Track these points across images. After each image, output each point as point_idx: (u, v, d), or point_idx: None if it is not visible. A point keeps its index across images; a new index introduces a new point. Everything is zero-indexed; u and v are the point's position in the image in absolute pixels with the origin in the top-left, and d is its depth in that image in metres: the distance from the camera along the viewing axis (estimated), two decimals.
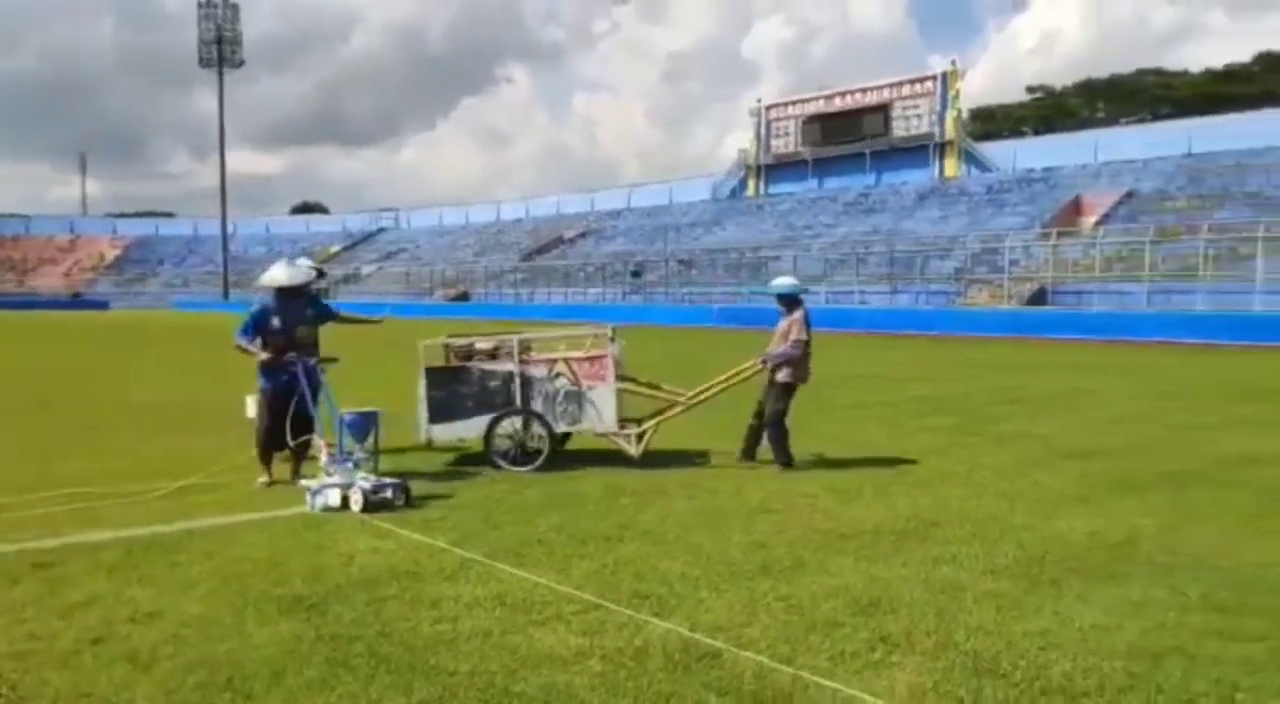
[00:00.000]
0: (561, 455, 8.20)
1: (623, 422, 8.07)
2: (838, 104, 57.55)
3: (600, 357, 7.97)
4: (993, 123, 72.62)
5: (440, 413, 8.02)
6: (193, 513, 6.30)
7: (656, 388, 8.37)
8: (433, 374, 8.09)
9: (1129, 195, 42.84)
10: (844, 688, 3.53)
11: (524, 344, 8.18)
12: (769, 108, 61.23)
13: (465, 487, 7.17)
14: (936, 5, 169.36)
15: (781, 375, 7.95)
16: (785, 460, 7.84)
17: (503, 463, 7.76)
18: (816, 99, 59.30)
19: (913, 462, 8.17)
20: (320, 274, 9.21)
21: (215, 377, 15.27)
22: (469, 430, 7.98)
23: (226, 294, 74.23)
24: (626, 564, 5.10)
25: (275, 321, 7.31)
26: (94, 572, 4.98)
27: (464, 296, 60.40)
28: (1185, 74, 75.93)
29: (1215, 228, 34.91)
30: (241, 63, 78.78)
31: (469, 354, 8.26)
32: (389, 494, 6.40)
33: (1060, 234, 39.75)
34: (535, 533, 5.75)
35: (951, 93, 53.06)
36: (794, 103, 60.69)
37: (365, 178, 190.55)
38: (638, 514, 6.25)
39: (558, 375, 7.96)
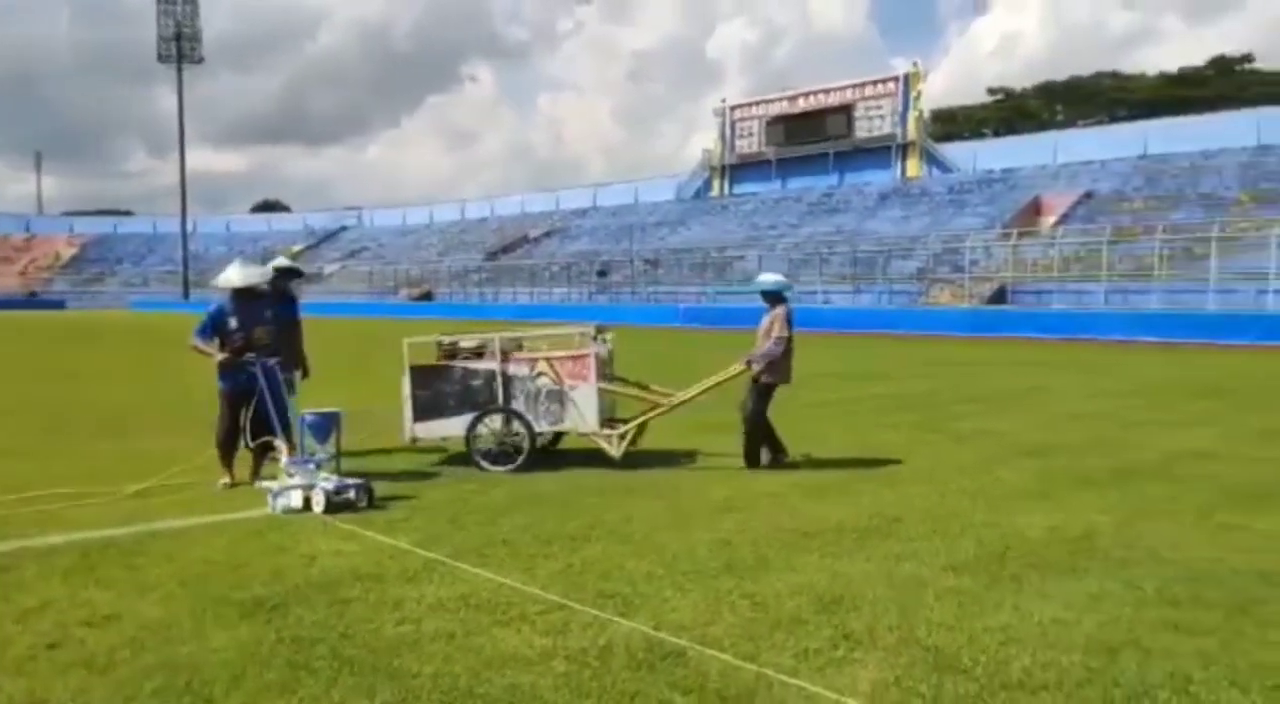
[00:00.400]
0: (549, 455, 8.21)
1: (612, 421, 8.05)
2: (801, 105, 57.92)
3: (582, 356, 7.89)
4: (954, 124, 73.39)
5: (424, 411, 7.98)
6: (151, 515, 6.20)
7: (644, 388, 8.32)
8: (417, 373, 8.04)
9: (1087, 196, 43.53)
10: (808, 685, 3.55)
11: (513, 343, 8.13)
12: (733, 108, 61.48)
13: (429, 487, 7.13)
14: (898, 7, 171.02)
15: (764, 376, 7.87)
16: (753, 462, 7.82)
17: (484, 462, 7.71)
18: (780, 100, 59.64)
19: (876, 459, 8.24)
20: (297, 274, 9.07)
21: (175, 377, 15.05)
22: (452, 429, 7.93)
23: (186, 294, 73.15)
24: (592, 564, 5.09)
25: (232, 322, 7.23)
26: (49, 575, 4.89)
27: (428, 296, 60.03)
28: (1141, 77, 77.25)
29: (1170, 228, 35.59)
30: (201, 59, 77.85)
31: (453, 352, 8.21)
32: (352, 495, 6.31)
33: (1020, 234, 40.28)
34: (500, 533, 5.72)
35: (913, 94, 53.59)
36: (758, 103, 61.00)
37: (328, 176, 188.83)
38: (603, 514, 6.24)
39: (540, 374, 7.89)
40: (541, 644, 3.95)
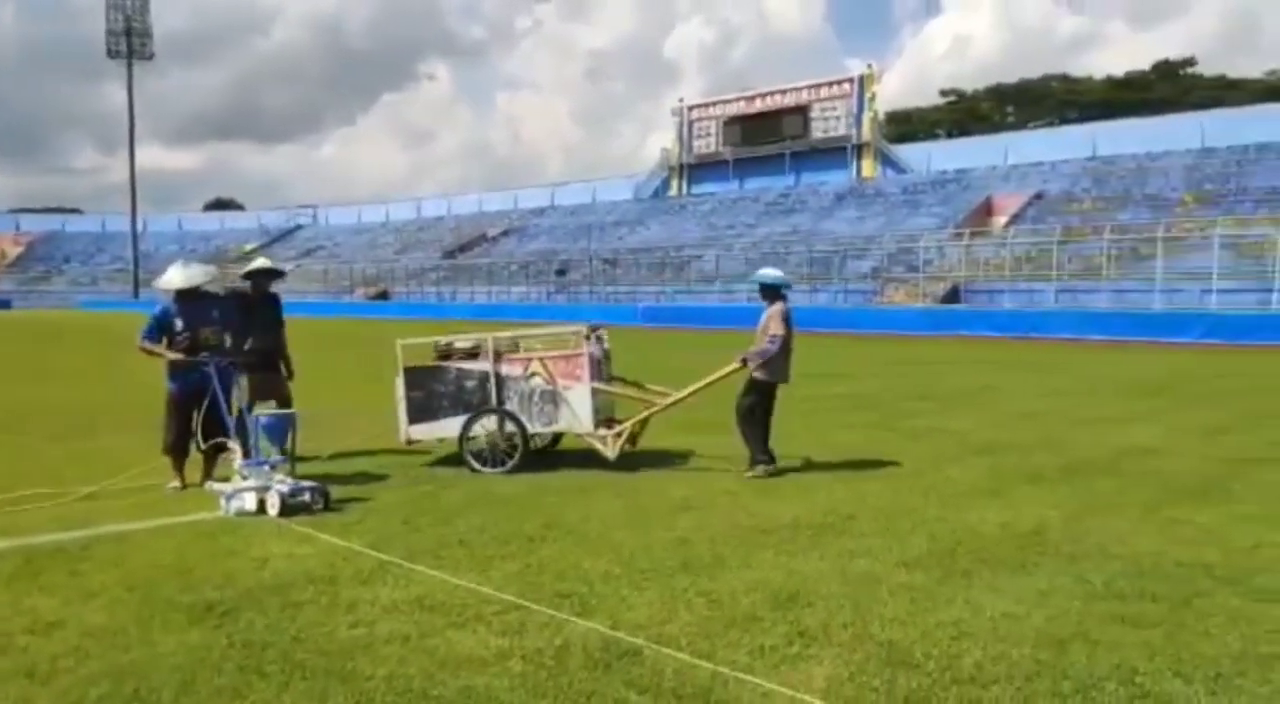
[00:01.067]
0: (546, 456, 8.16)
1: (610, 422, 7.95)
2: (758, 105, 58.26)
3: (575, 355, 7.78)
4: (908, 125, 74.22)
5: (419, 413, 7.91)
6: (97, 519, 6.06)
7: (640, 387, 8.22)
8: (411, 374, 7.98)
9: (1037, 197, 44.29)
10: (763, 682, 3.57)
11: (507, 343, 8.06)
12: (690, 108, 61.67)
13: (384, 489, 7.06)
14: (854, 8, 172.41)
15: (758, 373, 7.69)
16: (760, 458, 7.56)
17: (477, 464, 7.62)
18: (737, 100, 59.94)
19: (832, 457, 8.30)
20: (279, 274, 8.86)
21: (126, 377, 14.75)
22: (447, 430, 7.85)
23: (136, 293, 71.63)
24: (548, 564, 5.07)
25: (178, 323, 7.08)
26: None
27: (384, 295, 59.48)
28: (1089, 80, 78.69)
29: (1118, 229, 36.33)
30: (152, 55, 76.26)
31: (447, 353, 8.12)
32: (307, 498, 6.20)
33: (972, 234, 40.87)
34: (456, 534, 5.68)
35: (868, 95, 54.16)
36: (715, 103, 61.26)
37: (283, 174, 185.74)
38: (561, 513, 6.22)
39: (533, 375, 7.80)
40: (497, 645, 3.93)
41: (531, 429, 7.79)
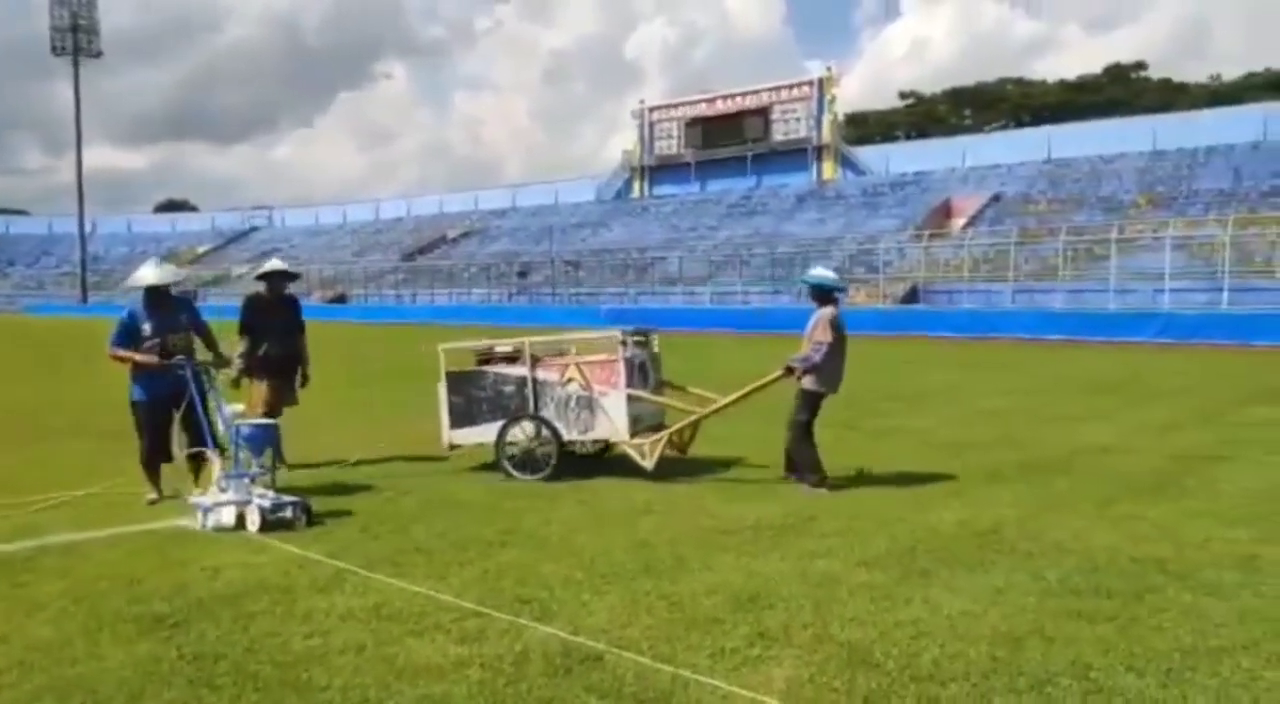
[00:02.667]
0: (598, 463, 8.00)
1: (659, 429, 7.63)
2: (719, 107, 58.42)
3: (611, 361, 7.50)
4: (867, 127, 74.95)
5: (460, 418, 7.81)
6: (43, 529, 5.90)
7: (681, 390, 8.02)
8: (452, 378, 7.87)
9: (995, 199, 44.87)
10: (723, 685, 3.57)
11: (547, 347, 7.92)
12: (652, 109, 61.70)
13: (342, 496, 6.94)
14: (813, 11, 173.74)
15: (806, 381, 7.17)
16: (813, 478, 7.05)
17: (513, 471, 7.45)
18: (698, 102, 60.07)
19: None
20: (293, 277, 8.69)
21: (77, 382, 14.47)
22: (487, 436, 7.68)
23: (85, 297, 70.32)
24: (508, 569, 5.03)
25: (145, 327, 6.72)
26: None
27: (341, 298, 58.83)
28: (1044, 84, 79.91)
29: (1073, 230, 36.91)
30: (99, 53, 74.79)
31: (488, 358, 7.99)
32: (289, 513, 5.89)
33: (931, 236, 41.33)
34: (414, 541, 5.61)
35: (828, 97, 54.54)
36: (676, 105, 61.33)
37: (237, 175, 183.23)
38: (521, 518, 6.18)
39: (569, 380, 7.56)
40: (456, 652, 3.89)
41: (567, 436, 7.54)
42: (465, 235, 65.39)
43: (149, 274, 6.92)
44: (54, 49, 73.41)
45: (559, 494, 6.92)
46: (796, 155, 55.35)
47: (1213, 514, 6.22)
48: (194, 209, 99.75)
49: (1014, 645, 3.95)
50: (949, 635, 4.06)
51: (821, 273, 7.57)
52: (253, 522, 5.78)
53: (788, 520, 6.10)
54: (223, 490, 5.99)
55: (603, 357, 7.60)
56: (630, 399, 7.44)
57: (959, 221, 44.17)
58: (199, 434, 6.48)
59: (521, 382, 7.66)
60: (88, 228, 75.87)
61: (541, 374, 7.65)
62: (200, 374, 6.62)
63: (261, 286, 8.37)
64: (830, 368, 7.20)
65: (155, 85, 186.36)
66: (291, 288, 8.70)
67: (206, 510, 5.89)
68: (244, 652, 3.90)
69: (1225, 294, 30.05)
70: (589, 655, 3.85)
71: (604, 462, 8.02)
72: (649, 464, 7.30)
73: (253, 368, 7.98)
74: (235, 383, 7.98)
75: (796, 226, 48.87)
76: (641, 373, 7.82)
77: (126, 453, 7.05)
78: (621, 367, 7.45)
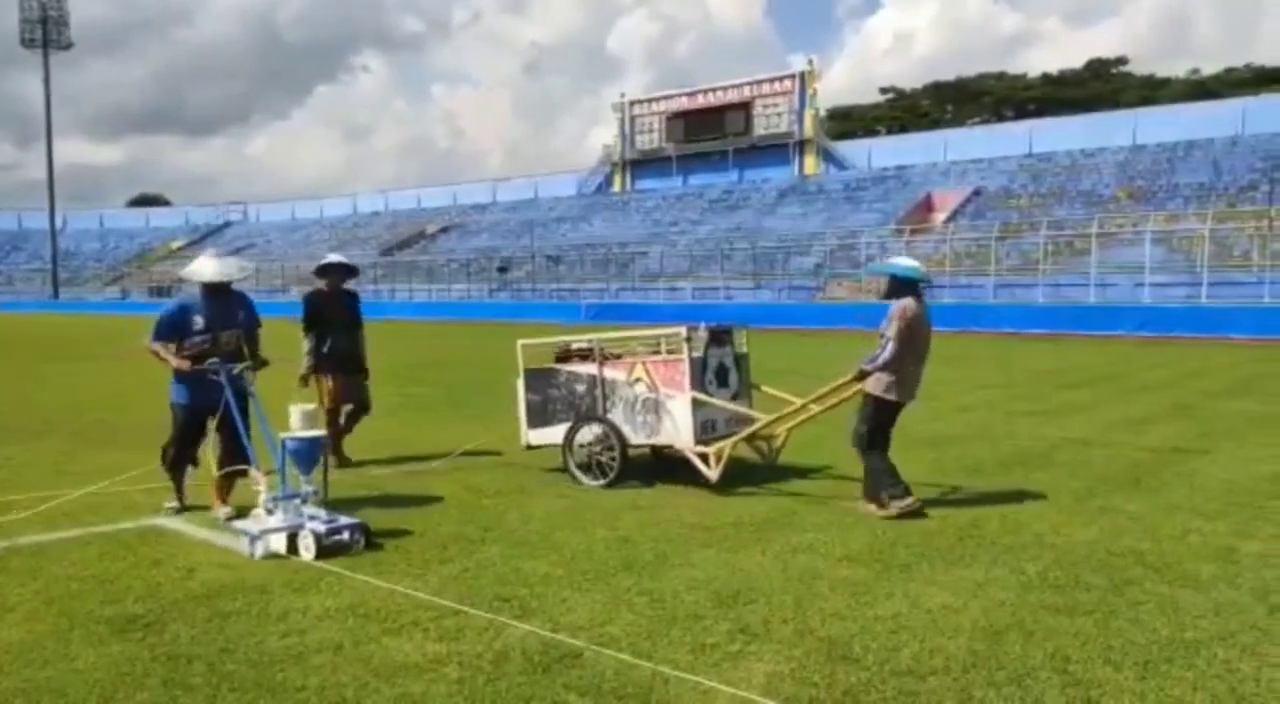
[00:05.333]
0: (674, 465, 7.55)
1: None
2: (700, 101, 58.41)
3: (677, 361, 7.03)
4: (849, 122, 75.07)
5: (536, 416, 7.60)
6: (12, 530, 5.80)
7: (757, 389, 7.66)
8: (530, 376, 7.68)
9: (976, 193, 45.09)
10: (704, 680, 3.55)
11: (617, 345, 7.61)
12: (633, 103, 61.61)
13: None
14: (795, 4, 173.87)
15: (871, 385, 6.35)
16: (892, 489, 6.13)
17: (580, 475, 7.13)
18: (679, 96, 60.03)
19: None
20: (353, 271, 8.47)
21: (45, 382, 14.32)
22: (560, 436, 7.41)
23: (56, 293, 69.57)
24: (487, 567, 4.99)
25: (198, 321, 6.05)
26: None
27: None
28: (1025, 78, 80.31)
29: (1053, 224, 37.14)
30: (70, 45, 73.90)
31: (566, 355, 7.75)
32: (345, 536, 5.24)
33: (913, 230, 41.48)
34: (393, 539, 5.57)
35: (810, 92, 54.62)
36: (658, 99, 61.26)
37: (211, 170, 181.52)
38: (502, 515, 6.14)
39: (637, 380, 7.17)
40: (434, 651, 3.85)
41: (634, 440, 7.14)
42: (444, 230, 65.10)
43: (207, 268, 6.20)
44: (23, 41, 72.62)
45: (538, 491, 6.89)
46: (778, 150, 55.43)
47: (1190, 507, 6.26)
48: (167, 204, 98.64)
49: (994, 639, 3.95)
50: (929, 630, 4.06)
51: (903, 262, 6.70)
52: (307, 547, 5.14)
53: (770, 516, 6.09)
54: (269, 513, 5.34)
55: (670, 356, 7.19)
56: (697, 404, 6.94)
57: (940, 216, 44.37)
58: (236, 447, 5.93)
59: (592, 381, 7.38)
60: (59, 223, 75.06)
61: (610, 373, 7.32)
62: (238, 380, 6.01)
63: (321, 283, 8.23)
64: (902, 371, 6.30)
65: (127, 78, 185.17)
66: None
67: (254, 538, 5.19)
68: (219, 652, 3.85)
69: (1204, 288, 30.32)
70: (569, 653, 3.82)
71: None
72: (713, 474, 6.76)
73: (319, 365, 7.89)
74: (304, 381, 7.91)
75: (778, 221, 48.94)
76: (720, 374, 7.37)
77: (98, 452, 6.96)
78: (687, 367, 6.97)
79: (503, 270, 51.85)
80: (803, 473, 7.48)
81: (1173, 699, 3.41)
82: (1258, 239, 31.74)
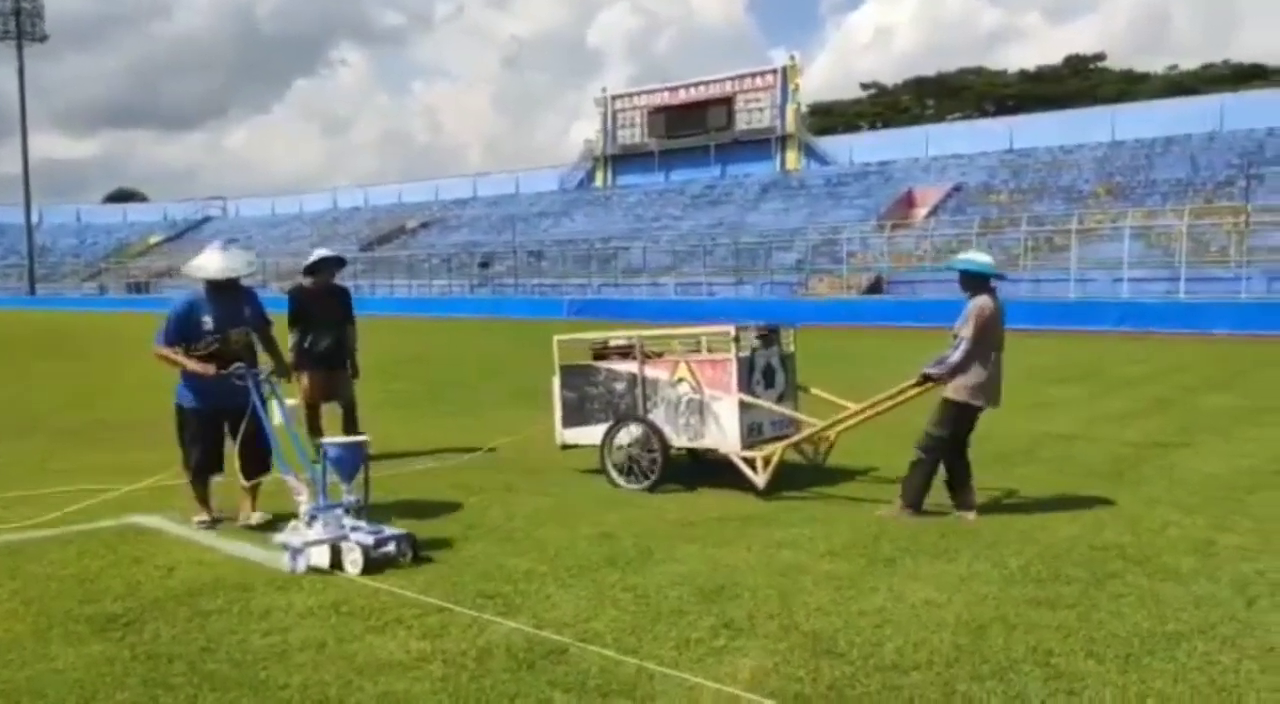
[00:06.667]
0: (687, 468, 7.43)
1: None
2: (682, 96, 58.32)
3: (723, 360, 6.78)
4: (830, 117, 75.20)
5: (572, 415, 7.38)
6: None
7: (805, 391, 7.40)
8: (566, 373, 7.44)
9: (956, 189, 45.28)
10: (689, 676, 3.55)
11: (659, 342, 7.36)
12: (614, 98, 61.47)
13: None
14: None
15: (953, 390, 5.96)
16: (912, 500, 5.96)
17: (618, 477, 6.89)
18: (661, 91, 59.94)
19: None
20: (341, 263, 8.30)
21: (34, 379, 14.17)
22: (599, 436, 7.13)
23: (33, 289, 68.75)
24: (471, 563, 4.98)
25: (206, 321, 5.70)
26: None
27: None
28: (1004, 74, 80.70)
29: (1033, 220, 37.36)
30: (45, 37, 72.80)
31: (604, 352, 7.53)
32: (393, 548, 4.92)
33: (894, 226, 41.62)
34: None
35: (791, 87, 54.66)
36: (639, 94, 61.15)
37: (190, 164, 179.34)
38: (485, 512, 6.12)
39: (680, 380, 6.90)
40: (418, 648, 3.84)
41: (676, 442, 6.89)
42: (425, 226, 64.80)
43: (213, 263, 5.79)
44: None
45: (522, 488, 6.87)
46: (760, 145, 55.45)
47: (1171, 501, 6.31)
48: (145, 199, 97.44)
49: (977, 633, 3.97)
50: (913, 624, 4.07)
51: (977, 257, 6.41)
52: (353, 562, 4.80)
53: (754, 511, 6.10)
54: (309, 525, 5.01)
55: (716, 355, 6.94)
56: (744, 406, 6.68)
57: (921, 211, 44.53)
58: (261, 452, 5.61)
59: (632, 379, 7.12)
60: (35, 218, 74.10)
61: (651, 372, 7.06)
62: (263, 383, 5.65)
63: (305, 279, 8.08)
64: (978, 372, 5.94)
65: (104, 71, 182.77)
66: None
67: (296, 552, 4.86)
68: (200, 651, 3.82)
69: (1182, 284, 30.57)
70: (553, 649, 3.81)
71: (560, 457, 7.83)
72: (760, 481, 6.45)
73: (299, 361, 7.76)
74: (287, 378, 7.82)
75: (760, 217, 48.99)
76: (767, 376, 7.13)
77: (82, 451, 6.89)
78: (734, 367, 6.71)
79: (484, 266, 51.67)
80: (787, 470, 7.47)
81: (1154, 691, 3.43)
82: (1234, 235, 32.05)
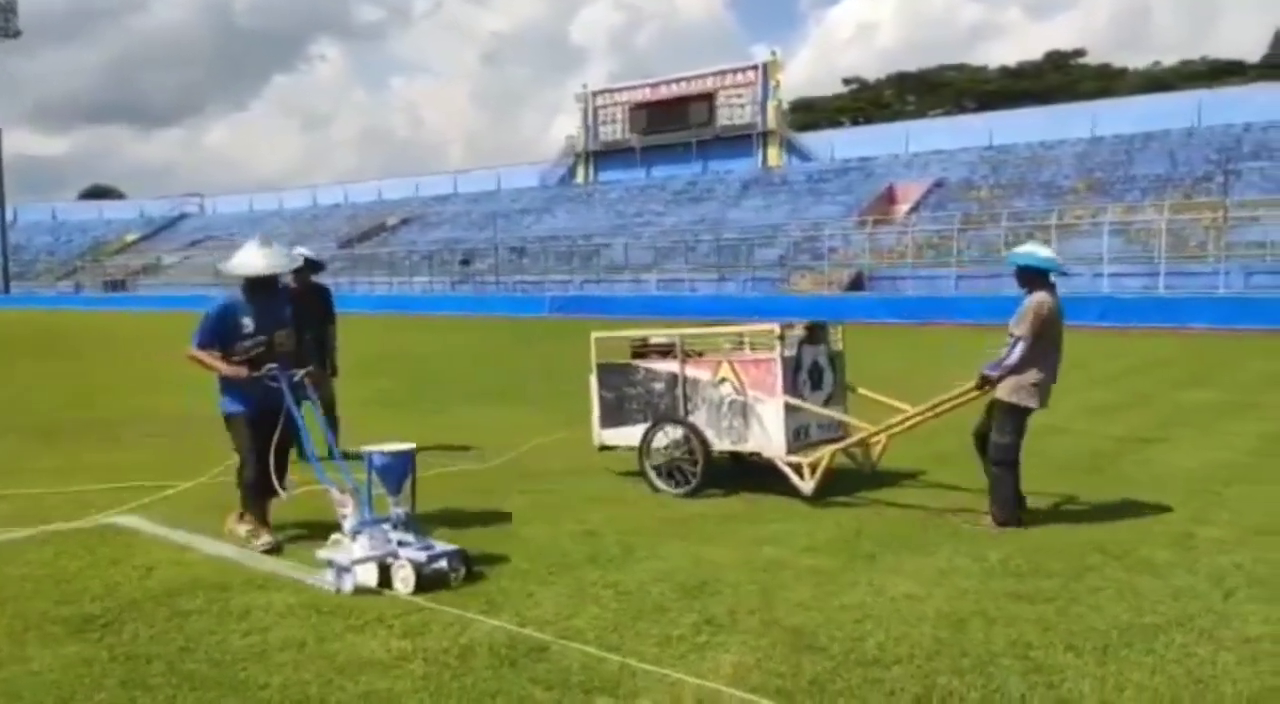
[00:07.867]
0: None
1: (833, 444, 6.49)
2: (664, 92, 58.25)
3: (767, 361, 6.51)
4: (812, 113, 75.36)
5: (610, 415, 7.18)
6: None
7: (852, 390, 7.13)
8: (604, 372, 7.24)
9: (937, 185, 45.45)
10: (670, 672, 3.55)
11: (700, 341, 7.15)
12: (596, 94, 61.30)
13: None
14: None
15: (1007, 392, 5.76)
16: (1004, 516, 5.63)
17: (657, 481, 6.64)
18: (643, 87, 59.84)
19: None
20: (319, 266, 8.30)
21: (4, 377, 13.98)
22: (636, 437, 6.91)
23: (7, 287, 68.04)
24: None
25: (247, 323, 5.35)
26: None
27: None
28: (985, 70, 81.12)
29: (1014, 215, 37.56)
30: (18, 33, 71.95)
31: (643, 351, 7.29)
32: (445, 565, 4.62)
33: (875, 222, 41.77)
34: None
35: (773, 83, 54.70)
36: (621, 89, 61.02)
37: (166, 161, 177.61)
38: (466, 510, 6.10)
39: (722, 380, 6.64)
40: (399, 647, 3.82)
41: (718, 446, 6.63)
42: (405, 222, 64.46)
43: (255, 260, 5.43)
44: None
45: (504, 487, 6.85)
46: (742, 141, 55.46)
47: (1150, 495, 6.36)
48: (121, 196, 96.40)
49: (957, 627, 3.99)
50: (893, 618, 4.09)
51: (1037, 250, 6.07)
52: (404, 580, 4.51)
53: (735, 507, 6.12)
54: (354, 541, 4.66)
55: (760, 354, 6.70)
56: (789, 408, 6.43)
57: (903, 208, 44.67)
58: (284, 462, 5.44)
59: (672, 379, 6.88)
60: (9, 216, 73.23)
61: (692, 371, 6.82)
62: (298, 386, 5.37)
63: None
64: (1034, 373, 5.69)
65: (79, 66, 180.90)
66: None
67: (343, 570, 4.55)
68: (179, 651, 3.80)
69: (1161, 279, 30.82)
70: (535, 647, 3.81)
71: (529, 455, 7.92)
72: (807, 487, 6.19)
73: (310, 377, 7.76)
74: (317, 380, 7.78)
75: (742, 213, 49.02)
76: (814, 375, 6.87)
77: (51, 452, 6.82)
78: (778, 367, 6.45)
79: (465, 263, 51.48)
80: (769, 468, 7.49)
81: (1132, 683, 3.46)
82: (1213, 230, 32.31)
